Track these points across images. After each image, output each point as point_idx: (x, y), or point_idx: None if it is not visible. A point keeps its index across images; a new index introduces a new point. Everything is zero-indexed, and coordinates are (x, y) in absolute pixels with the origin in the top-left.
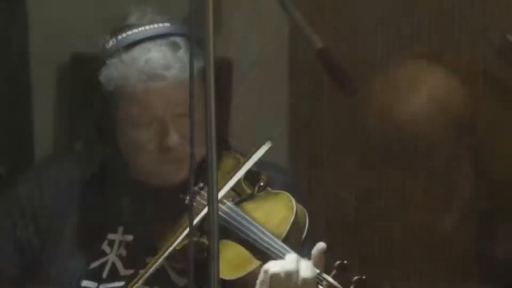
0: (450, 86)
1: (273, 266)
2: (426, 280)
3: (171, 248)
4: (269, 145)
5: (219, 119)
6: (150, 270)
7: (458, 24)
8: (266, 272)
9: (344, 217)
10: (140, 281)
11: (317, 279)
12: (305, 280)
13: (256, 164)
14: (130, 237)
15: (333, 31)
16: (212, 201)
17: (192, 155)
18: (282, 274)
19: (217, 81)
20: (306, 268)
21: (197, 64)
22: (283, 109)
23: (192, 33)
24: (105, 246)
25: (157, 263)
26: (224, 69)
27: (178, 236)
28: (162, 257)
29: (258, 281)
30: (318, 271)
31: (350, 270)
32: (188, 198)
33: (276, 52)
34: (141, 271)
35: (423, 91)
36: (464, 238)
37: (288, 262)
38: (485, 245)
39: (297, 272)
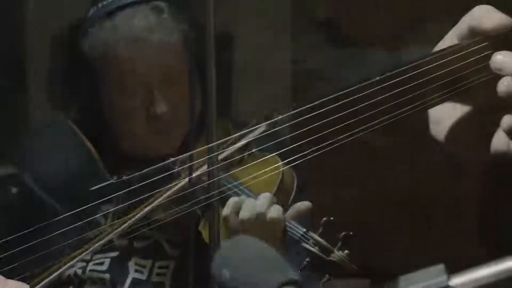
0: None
1: (245, 207)
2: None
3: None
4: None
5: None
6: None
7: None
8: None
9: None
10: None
11: (304, 238)
12: (272, 220)
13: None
14: (123, 208)
15: (338, 3)
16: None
17: (192, 132)
18: (253, 215)
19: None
20: (273, 210)
21: (182, 27)
22: (284, 81)
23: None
24: (99, 217)
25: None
26: (223, 41)
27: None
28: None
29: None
30: (304, 229)
31: (337, 227)
32: (177, 167)
33: (278, 24)
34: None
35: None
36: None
37: (260, 204)
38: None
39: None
